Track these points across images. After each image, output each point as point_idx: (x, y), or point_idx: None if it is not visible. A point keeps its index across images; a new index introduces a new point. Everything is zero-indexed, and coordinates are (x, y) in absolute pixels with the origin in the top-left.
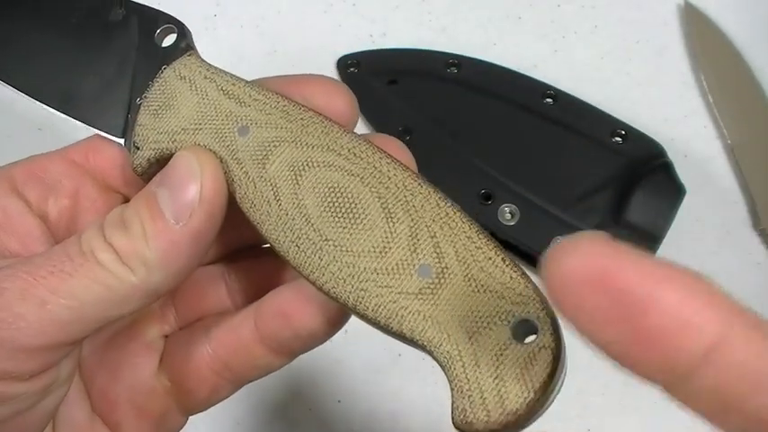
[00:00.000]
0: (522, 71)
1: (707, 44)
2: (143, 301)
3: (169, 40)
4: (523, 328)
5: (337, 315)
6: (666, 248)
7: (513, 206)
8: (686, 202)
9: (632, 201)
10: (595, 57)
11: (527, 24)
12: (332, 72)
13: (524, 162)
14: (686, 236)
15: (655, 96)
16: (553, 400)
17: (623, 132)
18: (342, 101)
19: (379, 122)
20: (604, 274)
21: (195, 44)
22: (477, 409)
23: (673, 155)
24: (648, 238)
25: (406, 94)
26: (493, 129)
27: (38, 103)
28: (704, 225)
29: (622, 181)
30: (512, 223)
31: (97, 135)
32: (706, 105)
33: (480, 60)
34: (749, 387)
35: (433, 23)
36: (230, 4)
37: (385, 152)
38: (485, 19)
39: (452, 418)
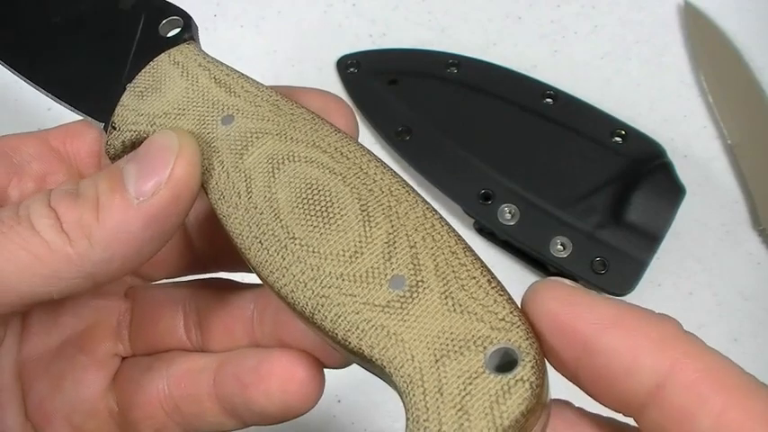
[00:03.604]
0: (522, 71)
1: (707, 44)
2: (76, 281)
3: (173, 32)
4: (501, 358)
5: (296, 403)
6: (666, 248)
7: (513, 206)
8: (686, 202)
9: (632, 201)
10: (595, 57)
11: (527, 24)
12: (332, 72)
13: (524, 162)
14: (686, 236)
15: (655, 96)
16: None
17: (623, 132)
18: (342, 118)
19: (379, 122)
20: (559, 318)
21: (200, 35)
22: None
23: (673, 155)
24: (648, 238)
25: (406, 94)
26: (493, 129)
27: (27, 83)
28: (704, 225)
29: (622, 181)
30: (512, 223)
31: (81, 120)
32: (706, 105)
33: (480, 60)
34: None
35: (432, 23)
36: (230, 4)
37: (376, 156)
38: (485, 19)
39: None
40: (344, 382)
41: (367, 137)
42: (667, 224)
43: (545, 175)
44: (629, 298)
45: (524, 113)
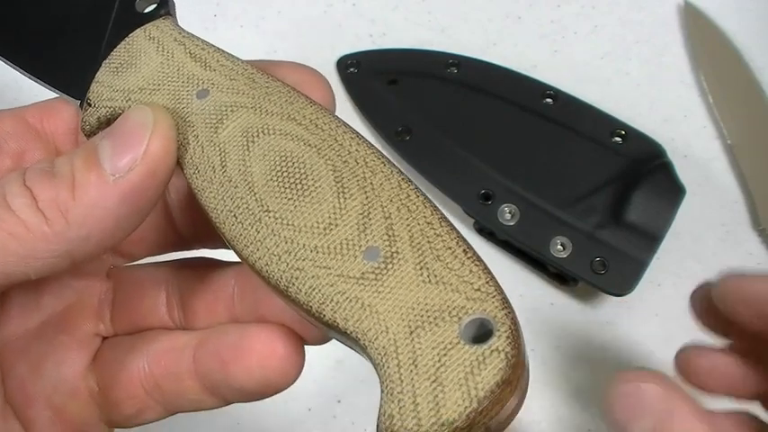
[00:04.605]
0: (522, 71)
1: (707, 44)
2: (54, 260)
3: (150, 8)
4: (476, 329)
5: (276, 376)
6: (666, 248)
7: (513, 206)
8: (686, 202)
9: (632, 201)
10: (595, 57)
11: (527, 24)
12: (332, 72)
13: (524, 162)
14: (686, 236)
15: (655, 96)
16: (508, 421)
17: (623, 132)
18: (318, 91)
19: (379, 122)
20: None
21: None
22: (406, 415)
23: (673, 155)
24: (648, 238)
25: (406, 94)
26: (493, 129)
27: (4, 62)
28: (704, 225)
29: (622, 181)
30: (512, 223)
31: (57, 98)
32: (706, 105)
33: (480, 60)
34: None
35: (432, 23)
36: (230, 4)
37: (351, 128)
38: (485, 19)
39: (377, 426)
40: (344, 382)
41: (367, 137)
42: (667, 224)
43: (545, 175)
44: (629, 298)
45: (524, 113)
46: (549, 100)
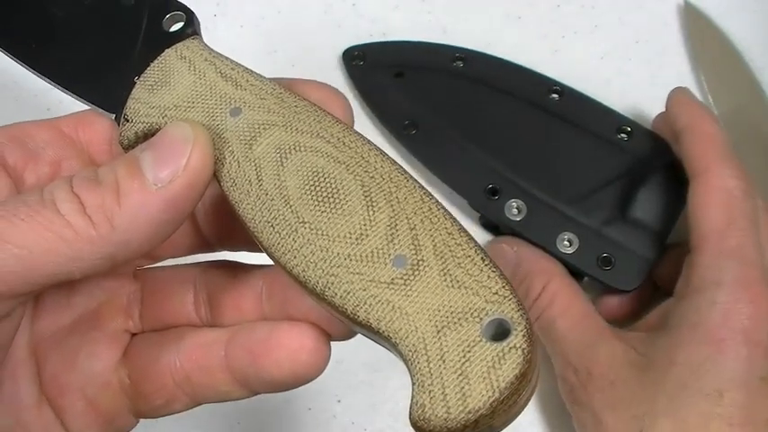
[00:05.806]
0: None
1: (707, 44)
2: (97, 261)
3: (176, 27)
4: (496, 328)
5: (305, 369)
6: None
7: (520, 201)
8: None
9: (638, 197)
10: (595, 57)
11: (527, 24)
12: (332, 72)
13: (531, 157)
14: None
15: (655, 97)
16: (522, 408)
17: (629, 129)
18: (339, 109)
19: (385, 116)
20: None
21: (202, 34)
22: (436, 404)
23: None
24: (654, 235)
25: (412, 87)
26: (499, 123)
27: (37, 75)
28: None
29: (628, 177)
30: (518, 219)
31: (90, 110)
32: (706, 105)
33: (487, 55)
34: None
35: (432, 24)
36: (230, 4)
37: (375, 145)
38: (485, 19)
39: (410, 414)
40: (344, 382)
41: (372, 130)
42: (673, 221)
43: (552, 171)
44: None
45: (530, 108)
46: (555, 95)
